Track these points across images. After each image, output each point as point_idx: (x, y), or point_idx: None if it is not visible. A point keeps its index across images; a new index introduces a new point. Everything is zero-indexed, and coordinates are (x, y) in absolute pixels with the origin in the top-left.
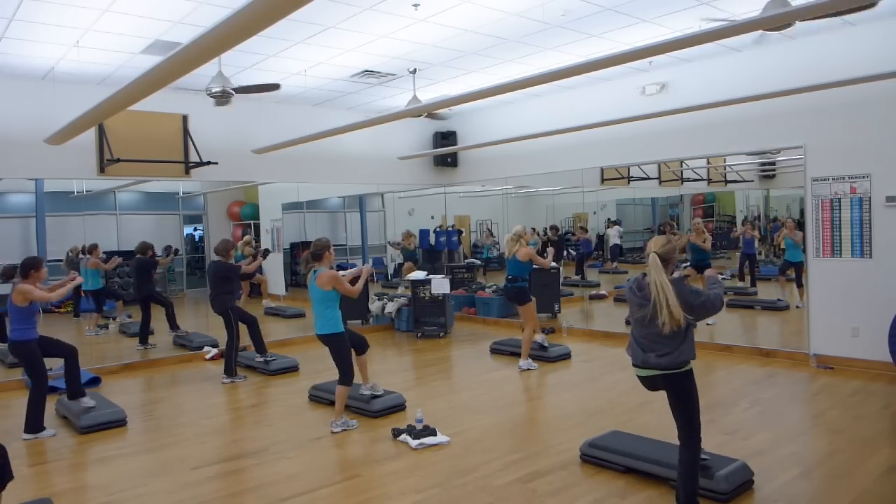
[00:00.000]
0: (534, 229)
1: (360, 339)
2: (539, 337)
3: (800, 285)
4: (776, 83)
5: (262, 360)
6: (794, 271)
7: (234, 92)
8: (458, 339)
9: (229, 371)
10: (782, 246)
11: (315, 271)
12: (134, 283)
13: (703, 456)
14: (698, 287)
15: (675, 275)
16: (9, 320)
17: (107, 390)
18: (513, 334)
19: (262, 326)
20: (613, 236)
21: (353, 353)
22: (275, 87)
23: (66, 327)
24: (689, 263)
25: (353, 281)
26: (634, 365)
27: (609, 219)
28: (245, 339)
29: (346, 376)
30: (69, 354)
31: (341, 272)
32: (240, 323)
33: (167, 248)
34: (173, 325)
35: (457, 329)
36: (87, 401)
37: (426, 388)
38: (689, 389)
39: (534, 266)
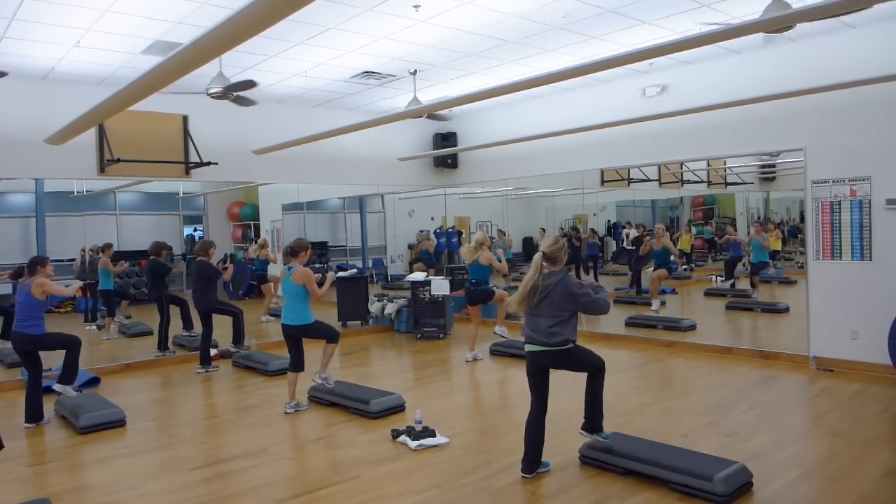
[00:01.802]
0: (542, 229)
1: (332, 329)
2: (469, 355)
3: (752, 284)
4: (776, 85)
5: (235, 350)
6: (752, 270)
7: (233, 94)
8: (457, 341)
9: (204, 361)
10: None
11: (290, 267)
12: (148, 285)
13: (603, 438)
14: (587, 285)
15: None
16: (18, 316)
17: (106, 390)
18: (512, 336)
19: (261, 327)
20: (628, 240)
21: (325, 340)
22: (251, 84)
23: (67, 328)
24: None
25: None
26: (525, 343)
27: (609, 220)
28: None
29: (332, 336)
30: (73, 345)
31: (341, 273)
32: (226, 314)
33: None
34: (187, 325)
35: (456, 330)
36: (69, 390)
37: (425, 389)
38: (575, 356)
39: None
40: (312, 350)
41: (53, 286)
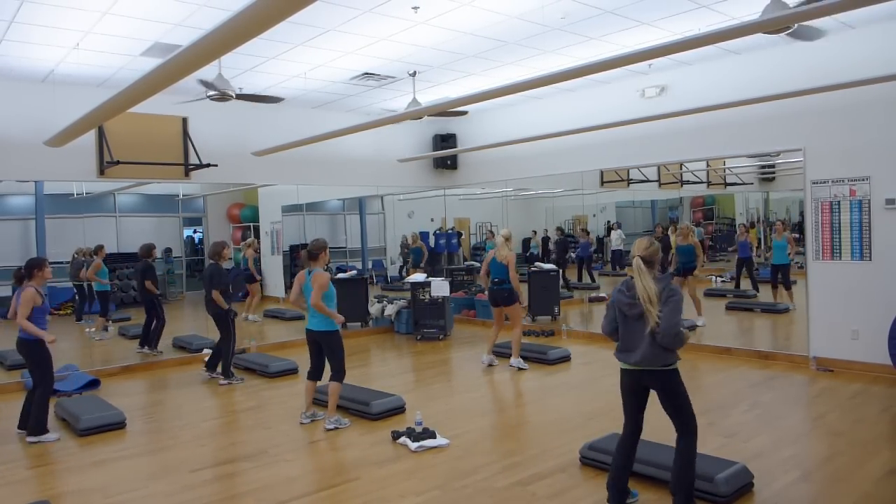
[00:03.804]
0: (534, 231)
1: (342, 365)
2: (486, 358)
3: (788, 287)
4: (776, 86)
5: (207, 373)
6: (781, 274)
7: (234, 95)
8: (457, 342)
9: (226, 373)
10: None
11: (310, 271)
12: (137, 286)
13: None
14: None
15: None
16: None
17: (106, 392)
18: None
19: (262, 328)
20: (615, 240)
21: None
22: (277, 99)
23: (67, 329)
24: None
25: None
26: (621, 360)
27: (609, 221)
28: (242, 342)
29: (339, 373)
30: (45, 383)
31: (341, 274)
32: (219, 328)
33: (166, 253)
34: (149, 341)
35: (456, 331)
36: (47, 437)
37: (425, 390)
38: (676, 386)
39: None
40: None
41: (24, 310)
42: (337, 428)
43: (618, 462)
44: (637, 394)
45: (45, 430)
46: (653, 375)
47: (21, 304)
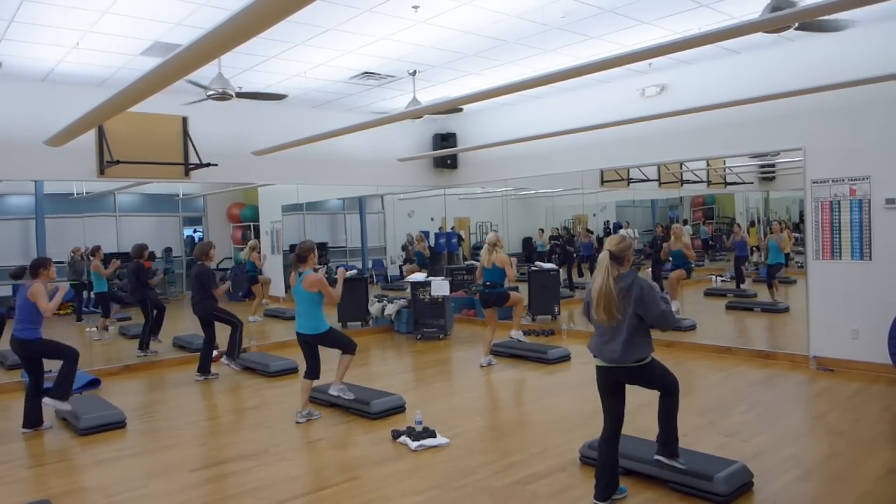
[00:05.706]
0: (541, 230)
1: (348, 340)
2: (484, 360)
3: (770, 286)
4: (776, 85)
5: (227, 363)
6: (769, 272)
7: (233, 94)
8: (457, 341)
9: (203, 369)
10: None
11: (301, 273)
12: (129, 287)
13: (680, 465)
14: (664, 294)
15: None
16: (16, 318)
17: (106, 392)
18: (529, 341)
19: (262, 328)
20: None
21: (341, 351)
22: (280, 96)
23: (67, 330)
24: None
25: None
26: (594, 355)
27: (607, 221)
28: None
29: (349, 347)
30: (69, 356)
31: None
32: (224, 323)
33: (166, 253)
34: (154, 332)
35: (456, 331)
36: (60, 405)
37: (426, 389)
38: (652, 372)
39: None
40: (326, 353)
41: (42, 302)
42: (309, 420)
43: (601, 461)
44: (612, 389)
45: (40, 422)
46: (626, 371)
47: (37, 297)
